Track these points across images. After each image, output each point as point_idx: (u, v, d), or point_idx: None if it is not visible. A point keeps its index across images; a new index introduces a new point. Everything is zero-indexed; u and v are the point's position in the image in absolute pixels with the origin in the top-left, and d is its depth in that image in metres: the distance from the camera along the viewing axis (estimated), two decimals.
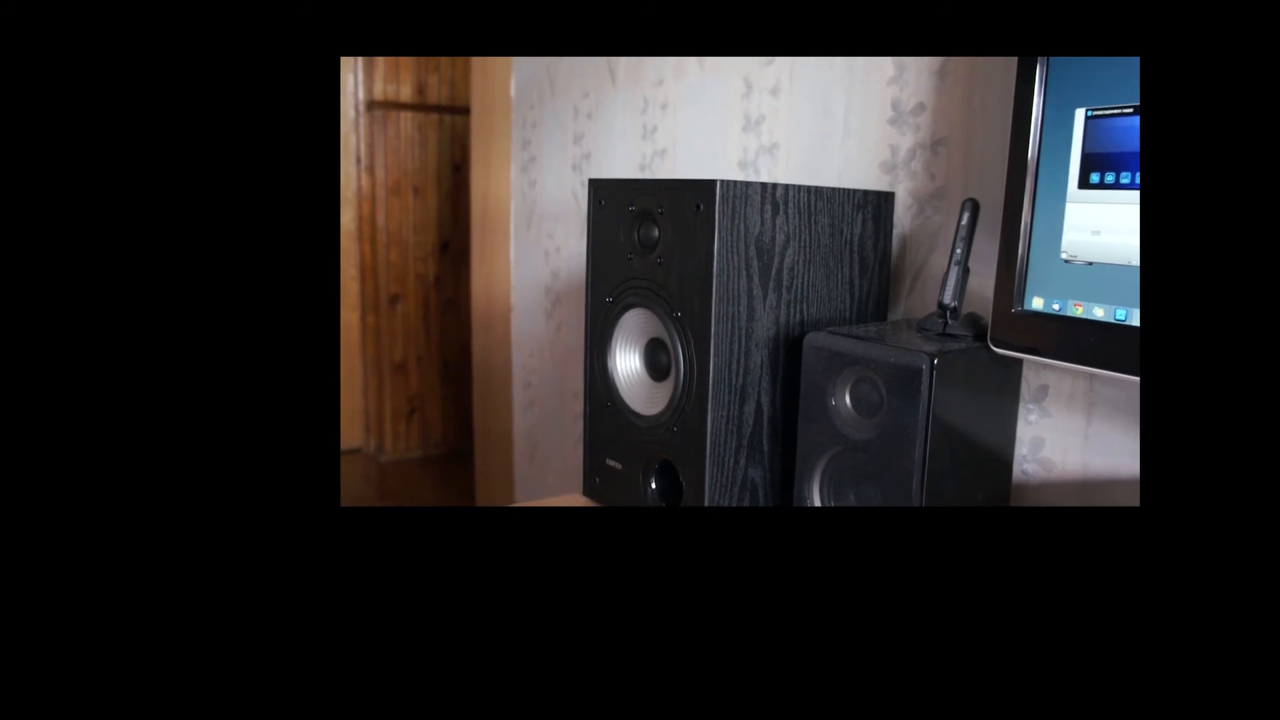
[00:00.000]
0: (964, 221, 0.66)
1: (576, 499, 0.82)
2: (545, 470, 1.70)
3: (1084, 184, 0.56)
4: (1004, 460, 0.67)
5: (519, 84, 1.66)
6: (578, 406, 1.53)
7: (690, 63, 1.12)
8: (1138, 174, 0.54)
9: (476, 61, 1.88)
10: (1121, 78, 0.54)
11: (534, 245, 1.64)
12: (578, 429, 1.53)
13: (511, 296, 1.79)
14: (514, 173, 1.71)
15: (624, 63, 1.28)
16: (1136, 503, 0.64)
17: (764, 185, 0.66)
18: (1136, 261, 0.54)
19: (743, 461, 0.69)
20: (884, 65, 0.84)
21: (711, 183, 0.63)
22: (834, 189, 0.71)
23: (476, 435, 2.06)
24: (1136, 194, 0.54)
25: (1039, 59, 0.59)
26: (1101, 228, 0.55)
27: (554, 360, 1.61)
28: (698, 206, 0.64)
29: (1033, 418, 0.73)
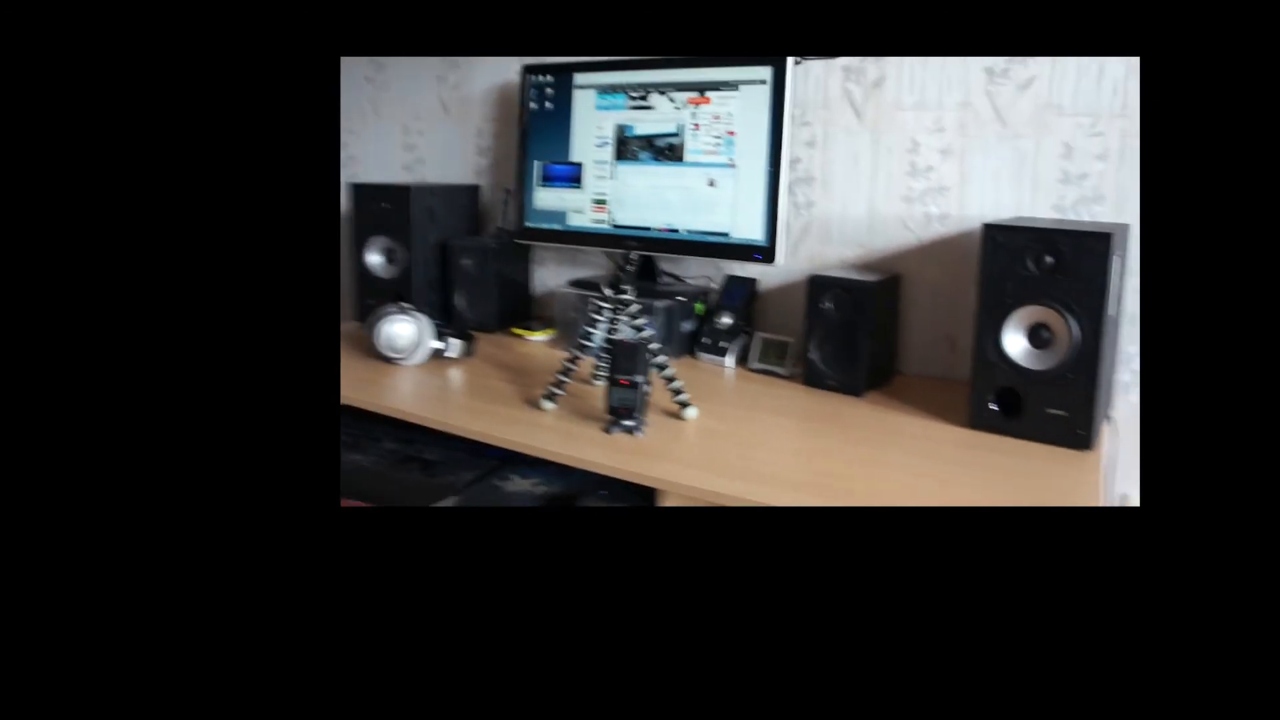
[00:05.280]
0: (504, 197, 1.78)
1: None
2: None
3: (541, 184, 1.69)
4: (526, 286, 1.81)
5: None
6: None
7: (367, 110, 2.09)
8: (559, 181, 1.67)
9: None
10: (550, 149, 1.67)
11: None
12: None
13: None
14: None
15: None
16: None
17: (426, 186, 1.71)
18: (553, 207, 1.68)
19: (432, 295, 1.74)
20: (473, 127, 1.92)
21: (407, 188, 1.66)
22: (454, 185, 1.79)
23: None
24: (558, 189, 1.67)
25: (530, 134, 1.70)
26: (549, 202, 1.69)
27: None
28: (401, 194, 1.67)
29: (540, 267, 1.87)
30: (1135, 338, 1.28)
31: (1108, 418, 1.28)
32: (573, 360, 1.24)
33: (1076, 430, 1.09)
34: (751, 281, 1.53)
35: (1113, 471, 1.30)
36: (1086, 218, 1.30)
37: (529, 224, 1.70)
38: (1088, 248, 1.05)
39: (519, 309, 1.79)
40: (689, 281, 1.64)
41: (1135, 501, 1.31)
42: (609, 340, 1.20)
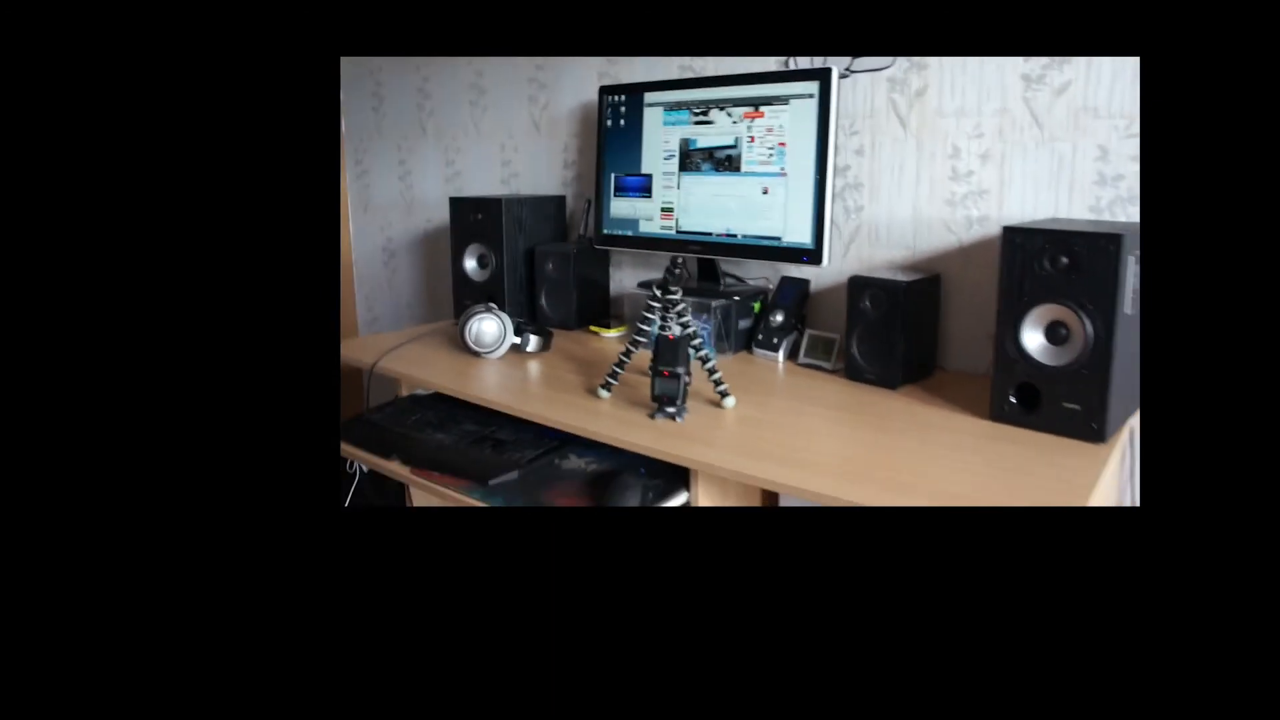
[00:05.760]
0: (586, 206, 1.94)
1: (447, 323, 2.00)
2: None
3: (616, 194, 1.85)
4: (605, 287, 1.97)
5: (350, 125, 2.73)
6: (411, 309, 2.67)
7: (470, 129, 2.31)
8: (632, 191, 1.82)
9: None
10: (623, 162, 1.82)
11: (373, 224, 2.74)
12: (413, 316, 2.67)
13: (353, 255, 2.86)
14: (349, 178, 2.79)
15: (431, 123, 2.43)
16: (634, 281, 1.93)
17: (516, 198, 1.90)
18: (626, 215, 1.83)
19: (520, 295, 1.93)
20: (560, 143, 2.10)
21: (498, 200, 1.86)
22: (542, 196, 1.97)
23: None
24: (630, 199, 1.83)
25: (606, 149, 1.86)
26: (623, 210, 1.84)
27: (390, 284, 2.73)
28: (493, 206, 1.87)
29: (618, 270, 2.03)
30: None
31: (1139, 411, 1.32)
32: (627, 354, 1.39)
33: (1091, 424, 1.15)
34: (805, 282, 1.64)
35: (1138, 472, 1.34)
36: (1122, 218, 1.34)
37: (606, 231, 1.86)
38: (1100, 248, 1.11)
39: (598, 308, 1.95)
40: (750, 282, 1.75)
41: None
42: (655, 336, 1.34)
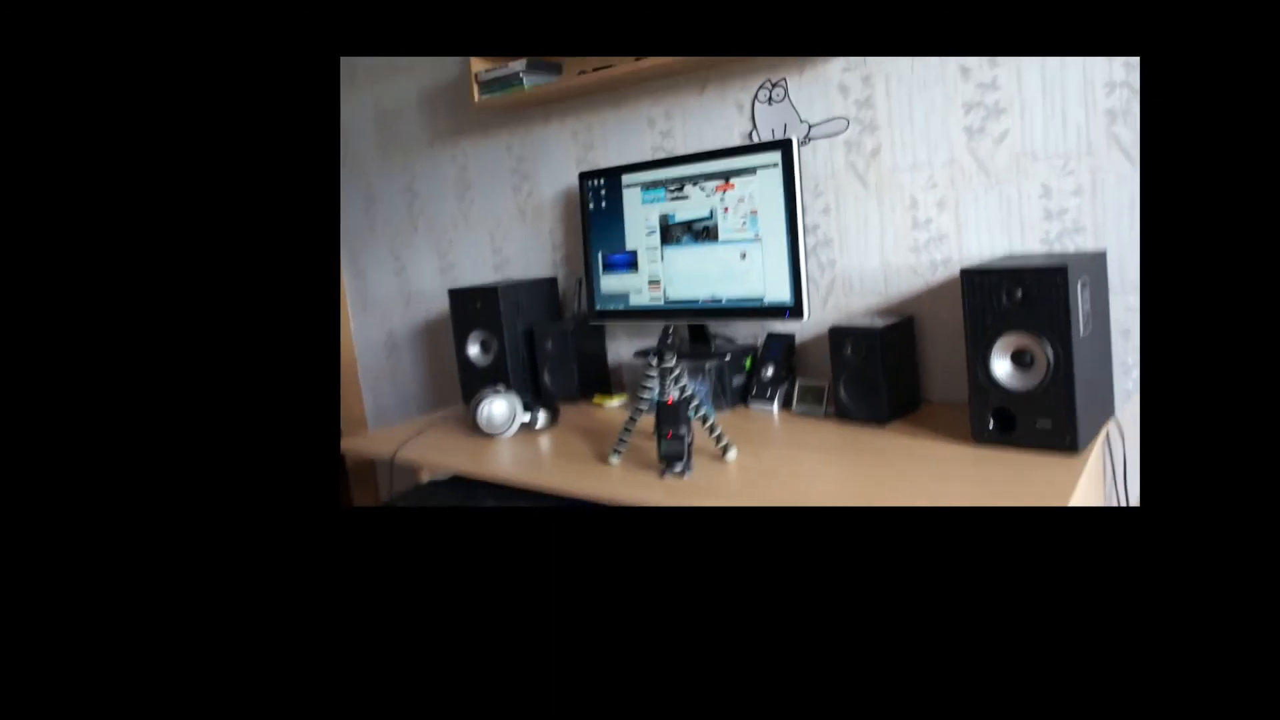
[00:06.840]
0: (578, 285, 2.06)
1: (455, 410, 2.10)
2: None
3: (604, 271, 1.97)
4: (603, 358, 2.08)
5: (344, 227, 2.87)
6: (417, 398, 2.77)
7: (460, 221, 2.45)
8: (620, 268, 1.95)
9: None
10: (609, 241, 1.95)
11: (373, 320, 2.86)
12: (419, 404, 2.77)
13: (355, 351, 2.98)
14: (346, 278, 2.92)
15: (421, 219, 2.57)
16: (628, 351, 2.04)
17: (511, 284, 2.02)
18: (616, 290, 1.95)
19: (524, 374, 2.04)
20: (546, 228, 2.23)
21: (495, 288, 1.98)
22: (535, 279, 2.09)
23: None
24: (619, 274, 1.95)
25: (591, 230, 1.99)
26: (613, 286, 1.96)
27: (393, 376, 2.83)
28: (490, 294, 1.98)
29: (614, 341, 2.14)
30: (1133, 350, 1.42)
31: (1114, 421, 1.42)
32: (632, 420, 1.49)
33: (1064, 438, 1.25)
34: (790, 336, 1.75)
35: (1121, 471, 1.44)
36: (1071, 248, 1.46)
37: (599, 307, 1.98)
38: (1049, 280, 1.23)
39: (598, 379, 2.06)
40: (739, 342, 1.86)
41: None
42: (656, 402, 1.44)
